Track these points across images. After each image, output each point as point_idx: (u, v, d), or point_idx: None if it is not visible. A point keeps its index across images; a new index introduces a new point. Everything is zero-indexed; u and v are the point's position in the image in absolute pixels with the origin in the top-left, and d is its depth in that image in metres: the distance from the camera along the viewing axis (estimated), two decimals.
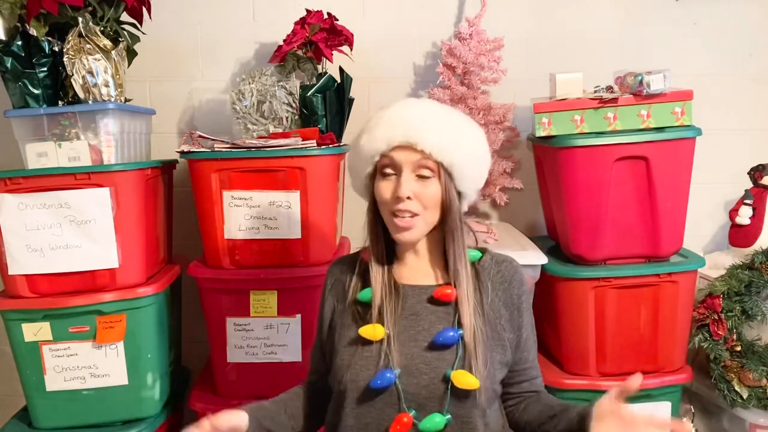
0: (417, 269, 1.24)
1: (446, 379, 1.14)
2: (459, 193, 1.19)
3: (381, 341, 1.16)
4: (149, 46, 2.00)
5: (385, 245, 1.23)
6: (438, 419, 1.13)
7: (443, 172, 1.15)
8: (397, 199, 1.14)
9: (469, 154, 1.18)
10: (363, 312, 1.21)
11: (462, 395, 1.14)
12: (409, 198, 1.13)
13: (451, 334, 1.16)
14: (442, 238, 1.21)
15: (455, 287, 1.19)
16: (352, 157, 1.25)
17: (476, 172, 1.20)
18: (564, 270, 1.85)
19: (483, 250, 1.28)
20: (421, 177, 1.14)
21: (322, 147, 1.77)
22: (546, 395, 1.30)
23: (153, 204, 1.83)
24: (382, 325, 1.17)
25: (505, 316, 1.22)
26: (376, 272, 1.21)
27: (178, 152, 1.80)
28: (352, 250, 2.03)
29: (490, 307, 1.21)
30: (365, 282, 1.23)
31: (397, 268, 1.25)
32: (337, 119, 1.93)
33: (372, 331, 1.17)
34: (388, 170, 1.16)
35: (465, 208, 1.23)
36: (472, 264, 1.24)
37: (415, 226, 1.16)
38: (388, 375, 1.13)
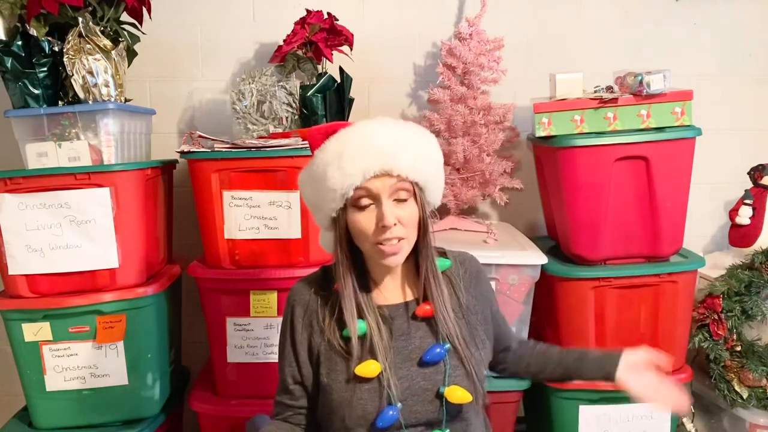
0: (394, 288, 1.23)
1: (440, 396, 1.15)
2: (428, 204, 1.19)
3: (378, 375, 1.14)
4: (149, 46, 2.00)
5: (358, 271, 1.20)
6: None
7: (417, 189, 1.13)
8: (382, 228, 1.10)
9: (435, 164, 1.17)
10: (350, 345, 1.16)
11: (456, 409, 1.15)
12: (395, 224, 1.11)
13: (438, 350, 1.16)
14: (413, 253, 1.19)
15: (431, 302, 1.19)
16: (313, 193, 1.17)
17: (441, 177, 1.20)
18: (564, 270, 1.85)
19: (444, 254, 1.28)
20: (398, 200, 1.12)
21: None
22: (540, 346, 1.37)
23: (153, 204, 1.83)
24: (375, 358, 1.14)
25: (481, 311, 1.25)
26: (361, 304, 1.17)
27: (178, 152, 1.80)
28: None
29: (468, 308, 1.23)
30: (342, 313, 1.17)
31: (375, 291, 1.22)
32: (336, 119, 1.93)
33: (368, 368, 1.13)
34: (365, 201, 1.11)
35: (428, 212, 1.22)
36: (444, 272, 1.24)
37: (402, 249, 1.14)
38: (391, 413, 1.12)
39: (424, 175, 1.13)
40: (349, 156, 1.09)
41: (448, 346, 1.17)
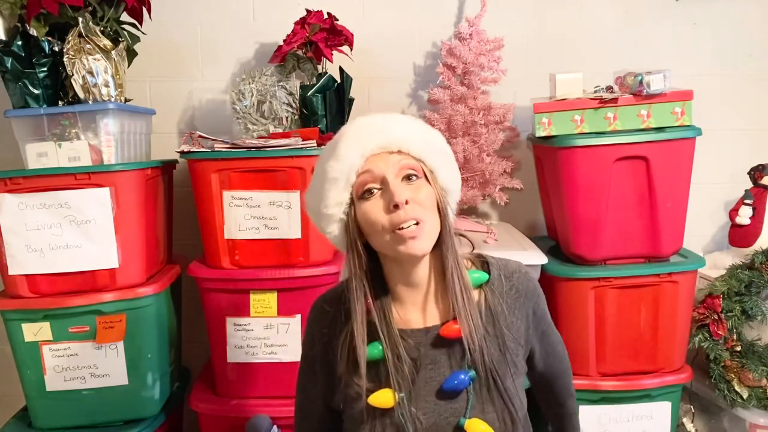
0: (418, 307, 1.09)
1: (460, 429, 1.03)
2: (444, 191, 1.07)
3: (395, 407, 1.03)
4: (149, 46, 1.99)
5: (378, 286, 1.08)
6: None
7: (426, 168, 1.03)
8: (394, 208, 0.98)
9: (439, 145, 1.07)
10: (369, 373, 1.04)
11: None
12: (407, 202, 0.98)
13: (462, 377, 1.04)
14: (438, 261, 1.07)
15: (460, 321, 1.04)
16: (315, 202, 1.06)
17: (452, 166, 1.09)
18: (564, 270, 1.85)
19: (486, 264, 1.13)
20: (407, 180, 1.02)
21: (322, 147, 1.77)
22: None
23: (153, 204, 1.83)
24: (390, 388, 1.03)
25: (524, 334, 1.11)
26: (376, 324, 1.05)
27: (178, 152, 1.80)
28: None
29: (508, 330, 1.08)
30: (365, 340, 1.05)
31: (395, 312, 1.08)
32: (337, 119, 1.93)
33: (382, 398, 1.03)
34: (370, 186, 1.01)
35: (451, 218, 1.09)
36: (480, 287, 1.10)
37: (423, 233, 1.00)
38: None
39: (427, 150, 1.04)
40: (345, 142, 1.02)
41: (473, 373, 1.04)
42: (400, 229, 0.99)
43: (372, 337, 1.05)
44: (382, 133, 1.02)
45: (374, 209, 1.01)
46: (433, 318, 1.09)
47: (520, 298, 1.11)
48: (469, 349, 1.04)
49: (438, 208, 1.03)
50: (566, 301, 1.86)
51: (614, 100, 1.79)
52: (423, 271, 1.07)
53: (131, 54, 1.87)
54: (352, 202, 1.03)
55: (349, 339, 1.06)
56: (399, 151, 1.02)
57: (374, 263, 1.08)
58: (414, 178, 1.02)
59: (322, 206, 1.05)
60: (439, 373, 1.06)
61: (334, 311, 1.11)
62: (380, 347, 1.05)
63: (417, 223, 0.99)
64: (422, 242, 1.00)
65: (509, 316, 1.09)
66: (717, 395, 1.93)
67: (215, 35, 2.17)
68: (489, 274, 1.12)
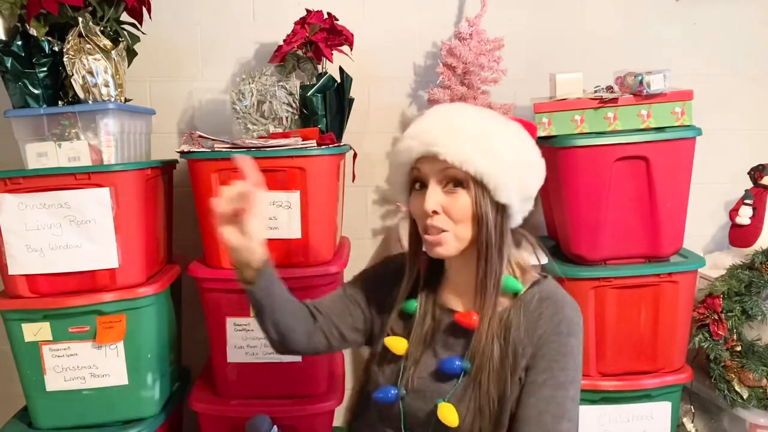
0: (455, 290, 1.18)
1: (435, 407, 1.08)
2: (501, 206, 1.07)
3: (403, 357, 1.14)
4: (149, 46, 2.00)
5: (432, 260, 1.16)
6: None
7: (473, 182, 1.04)
8: (424, 214, 1.06)
9: (504, 161, 1.04)
10: (400, 320, 1.20)
11: (443, 430, 1.07)
12: (435, 212, 1.05)
13: (457, 363, 1.09)
14: (477, 260, 1.10)
15: (478, 314, 1.09)
16: (392, 173, 1.18)
17: (517, 181, 1.06)
18: (564, 270, 1.85)
19: (535, 282, 1.14)
20: (450, 187, 1.06)
21: (322, 147, 1.77)
22: None
23: (153, 204, 1.83)
24: (408, 340, 1.15)
25: (524, 360, 1.07)
26: (422, 288, 1.19)
27: (178, 152, 1.80)
28: (353, 251, 2.03)
29: (514, 346, 1.08)
30: (413, 292, 1.20)
31: (442, 287, 1.20)
32: (337, 119, 1.93)
33: (396, 343, 1.15)
34: (418, 184, 1.10)
35: (517, 221, 1.12)
36: (506, 294, 1.12)
37: (446, 242, 1.07)
38: (392, 393, 1.12)
39: (481, 168, 1.03)
40: (409, 133, 1.10)
41: (467, 365, 1.08)
42: (427, 233, 1.09)
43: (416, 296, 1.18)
44: (435, 144, 1.04)
45: (415, 203, 1.11)
46: (460, 303, 1.17)
47: (539, 319, 1.08)
48: (476, 342, 1.08)
49: (477, 219, 1.06)
50: None
51: (614, 100, 1.79)
52: (458, 264, 1.15)
53: (131, 54, 1.87)
54: (413, 185, 1.12)
55: (402, 289, 1.19)
56: (445, 161, 1.04)
57: None
58: (458, 185, 1.06)
59: (391, 172, 1.17)
60: (445, 351, 1.14)
61: (401, 265, 1.22)
62: (415, 305, 1.17)
63: (441, 231, 1.07)
64: (444, 249, 1.08)
65: (523, 336, 1.08)
66: (717, 395, 1.93)
67: (215, 35, 2.17)
68: (530, 289, 1.13)
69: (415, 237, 1.16)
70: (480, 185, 1.05)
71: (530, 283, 1.14)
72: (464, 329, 1.11)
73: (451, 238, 1.07)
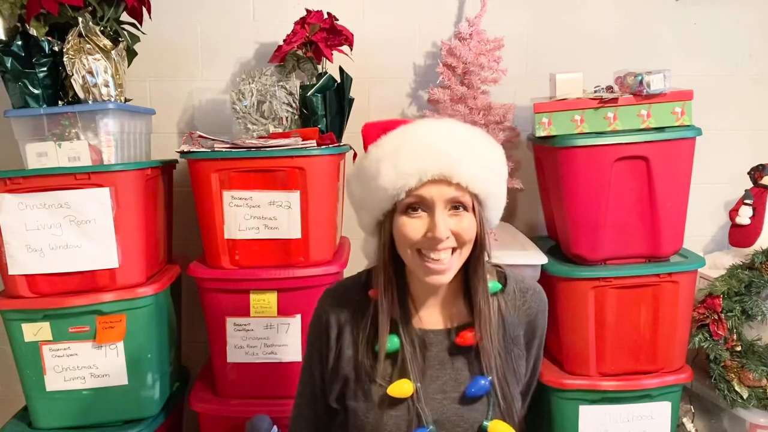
0: (435, 311, 1.12)
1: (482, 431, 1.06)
2: (487, 221, 1.08)
3: (410, 398, 1.05)
4: (149, 46, 2.00)
5: (399, 286, 1.10)
6: None
7: (476, 203, 1.02)
8: (433, 239, 0.99)
9: (499, 178, 1.06)
10: (382, 364, 1.08)
11: None
12: (447, 238, 1.00)
13: (483, 383, 1.06)
14: (463, 272, 1.09)
15: (477, 328, 1.07)
16: (360, 192, 1.08)
17: (503, 195, 1.09)
18: (564, 270, 1.85)
19: (503, 277, 1.16)
20: (454, 209, 1.01)
21: (322, 147, 1.77)
22: None
23: (153, 204, 1.83)
24: (408, 378, 1.06)
25: (524, 346, 1.14)
26: (397, 321, 1.08)
27: (178, 152, 1.80)
28: (353, 251, 2.03)
29: (513, 341, 1.12)
30: (378, 329, 1.08)
31: (413, 311, 1.11)
32: (337, 119, 1.93)
33: (401, 388, 1.05)
34: (416, 206, 1.00)
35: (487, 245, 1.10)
36: (494, 295, 1.12)
37: (451, 268, 1.02)
38: None
39: (486, 188, 1.02)
40: (407, 153, 0.99)
41: (491, 378, 1.07)
42: (429, 261, 1.01)
43: (391, 332, 1.08)
44: (451, 165, 0.98)
45: (412, 228, 1.01)
46: (446, 320, 1.12)
47: (531, 315, 1.14)
48: (485, 357, 1.07)
49: (476, 240, 1.04)
50: (566, 301, 1.86)
51: (614, 100, 1.79)
52: (444, 285, 1.09)
53: (131, 54, 1.87)
54: (393, 210, 1.03)
55: (371, 329, 1.08)
56: (458, 185, 0.99)
57: (399, 264, 1.09)
58: (461, 208, 1.02)
59: (362, 200, 1.07)
60: (443, 373, 1.09)
61: (353, 300, 1.13)
62: (397, 340, 1.07)
63: (452, 252, 1.02)
64: (445, 278, 1.03)
65: (518, 329, 1.13)
66: (717, 395, 1.93)
67: (215, 35, 2.17)
68: (505, 285, 1.14)
69: (393, 265, 1.07)
70: (481, 207, 1.04)
71: (499, 277, 1.15)
72: (458, 346, 1.10)
73: (455, 264, 1.03)
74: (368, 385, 1.08)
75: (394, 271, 1.08)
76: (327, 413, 1.18)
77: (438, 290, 1.11)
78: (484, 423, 1.06)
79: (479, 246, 1.05)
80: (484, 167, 1.01)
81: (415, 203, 1.00)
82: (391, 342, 1.07)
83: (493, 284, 1.12)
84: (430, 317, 1.12)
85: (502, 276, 1.16)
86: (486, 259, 1.08)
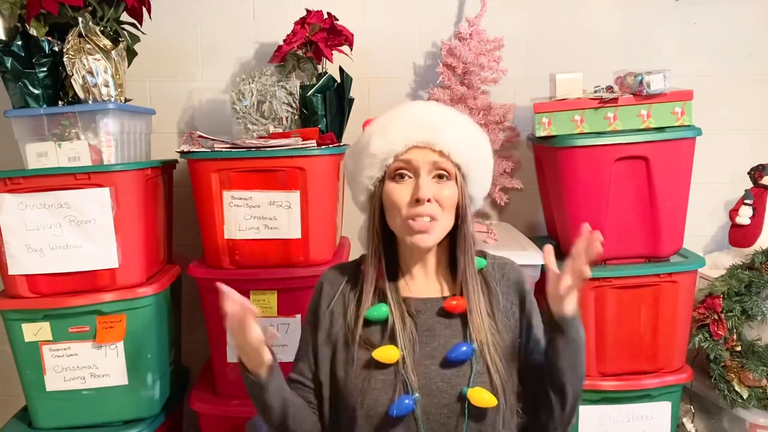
0: (424, 281, 1.19)
1: (463, 398, 1.09)
2: (470, 196, 1.16)
3: (396, 363, 1.10)
4: (149, 46, 2.00)
5: (389, 258, 1.18)
6: None
7: (459, 174, 1.12)
8: (416, 201, 1.08)
9: (483, 156, 1.17)
10: (372, 331, 1.14)
11: (480, 414, 1.09)
12: (429, 201, 1.08)
13: (464, 348, 1.11)
14: (449, 246, 1.18)
15: (465, 298, 1.14)
16: (353, 165, 1.18)
17: (487, 176, 1.19)
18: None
19: (483, 255, 1.24)
20: (437, 179, 1.11)
21: (322, 147, 1.77)
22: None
23: (153, 204, 1.83)
24: (396, 345, 1.11)
25: (518, 318, 1.19)
26: (385, 289, 1.15)
27: (178, 152, 1.80)
28: (353, 251, 2.03)
29: (504, 314, 1.17)
30: (371, 299, 1.16)
31: (403, 282, 1.19)
32: (337, 119, 1.93)
33: (386, 353, 1.10)
34: (403, 172, 1.11)
35: (472, 212, 1.19)
36: (479, 271, 1.19)
37: (433, 230, 1.11)
38: (407, 402, 1.08)
39: (468, 159, 1.13)
40: (396, 125, 1.12)
41: (475, 346, 1.11)
42: (413, 220, 1.09)
43: (381, 301, 1.16)
44: (434, 133, 1.10)
45: (399, 193, 1.11)
46: (435, 290, 1.19)
47: (511, 285, 1.21)
48: (472, 325, 1.13)
49: (457, 209, 1.13)
50: None
51: (614, 100, 1.79)
52: (429, 255, 1.18)
53: (131, 54, 1.87)
54: (383, 179, 1.14)
55: (358, 298, 1.16)
56: (441, 152, 1.10)
57: (390, 236, 1.17)
58: (444, 177, 1.12)
59: (355, 170, 1.17)
60: (433, 340, 1.14)
61: (347, 276, 1.22)
62: (386, 309, 1.14)
63: (431, 219, 1.10)
64: (430, 238, 1.11)
65: (503, 301, 1.19)
66: (717, 395, 1.93)
67: (215, 35, 2.17)
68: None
69: (381, 231, 1.16)
70: (463, 177, 1.14)
71: (481, 256, 1.23)
72: (448, 313, 1.16)
73: (437, 228, 1.11)
74: (355, 348, 1.14)
75: (383, 239, 1.16)
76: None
77: (426, 259, 1.18)
78: (464, 389, 1.10)
79: (462, 217, 1.14)
80: (465, 138, 1.13)
81: (401, 168, 1.11)
82: (380, 310, 1.14)
83: (478, 260, 1.20)
84: (419, 287, 1.19)
85: (482, 255, 1.24)
86: (466, 231, 1.15)
